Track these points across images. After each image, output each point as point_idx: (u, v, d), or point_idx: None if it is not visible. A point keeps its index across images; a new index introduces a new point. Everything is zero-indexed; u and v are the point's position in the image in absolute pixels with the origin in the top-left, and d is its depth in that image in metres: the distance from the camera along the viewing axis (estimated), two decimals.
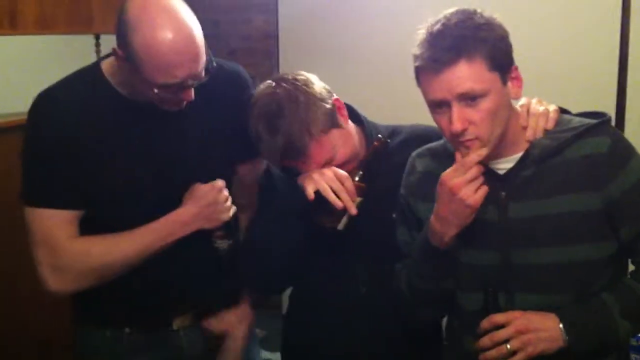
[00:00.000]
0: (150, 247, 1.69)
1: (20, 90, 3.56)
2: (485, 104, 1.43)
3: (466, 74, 1.41)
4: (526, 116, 1.56)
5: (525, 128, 1.54)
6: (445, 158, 1.58)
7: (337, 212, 1.66)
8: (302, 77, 1.75)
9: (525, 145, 1.53)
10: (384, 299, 1.77)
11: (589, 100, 2.58)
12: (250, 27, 3.33)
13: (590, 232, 1.49)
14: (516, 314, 1.49)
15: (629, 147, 1.52)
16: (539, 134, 1.53)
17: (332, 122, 1.71)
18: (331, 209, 1.65)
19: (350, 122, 1.81)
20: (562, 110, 1.61)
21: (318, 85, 1.75)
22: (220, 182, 1.75)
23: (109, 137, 1.66)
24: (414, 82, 1.51)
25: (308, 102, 1.68)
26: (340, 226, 1.67)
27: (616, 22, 2.60)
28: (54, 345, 2.87)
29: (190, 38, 1.52)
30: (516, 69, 1.49)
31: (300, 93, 1.69)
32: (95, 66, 1.73)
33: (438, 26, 1.45)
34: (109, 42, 3.31)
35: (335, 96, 1.76)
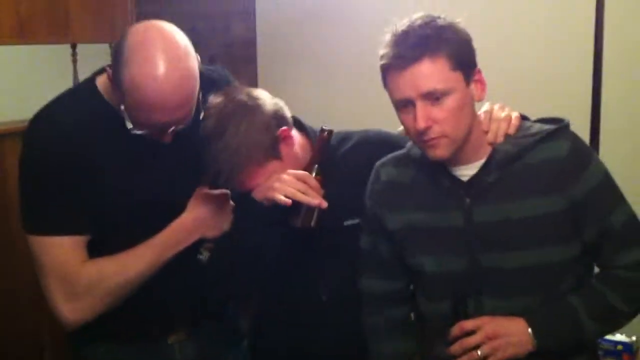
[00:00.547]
0: (160, 259, 1.64)
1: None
2: (449, 102, 1.46)
3: (429, 72, 1.44)
4: (488, 121, 1.58)
5: (487, 132, 1.57)
6: (409, 165, 1.62)
7: (307, 211, 1.65)
8: (254, 103, 1.68)
9: (488, 151, 1.56)
10: (346, 306, 1.78)
11: (564, 104, 2.63)
12: (230, 34, 3.32)
13: (555, 234, 1.52)
14: (485, 319, 1.52)
15: (588, 150, 1.57)
16: (500, 139, 1.56)
17: (271, 154, 1.68)
18: (299, 209, 1.64)
19: (297, 134, 1.78)
20: (522, 117, 1.63)
21: (268, 112, 1.69)
22: (227, 190, 1.71)
23: (108, 156, 1.60)
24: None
25: (248, 133, 1.63)
26: (313, 223, 1.66)
27: (590, 26, 2.62)
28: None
29: (179, 85, 1.46)
30: (479, 72, 1.52)
31: (243, 120, 1.64)
32: (90, 82, 1.68)
33: (403, 27, 1.48)
34: (85, 50, 3.35)
35: (283, 126, 1.71)
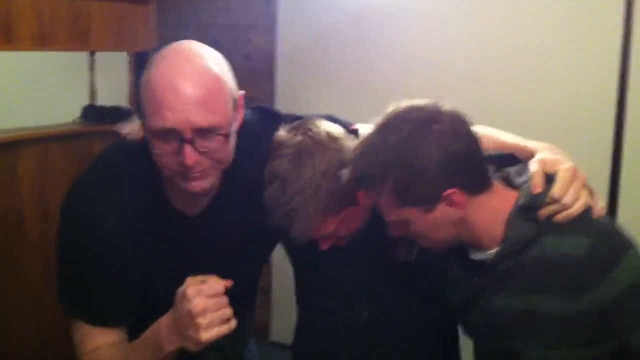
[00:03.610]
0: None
1: (13, 104, 3.61)
2: (410, 227, 1.38)
3: (379, 203, 1.39)
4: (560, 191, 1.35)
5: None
6: None
7: (408, 244, 1.55)
8: (336, 144, 1.52)
9: (501, 236, 1.39)
10: (386, 323, 1.70)
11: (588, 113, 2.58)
12: (250, 47, 3.31)
13: (567, 336, 1.36)
14: None
15: (613, 253, 1.32)
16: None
17: (349, 202, 1.53)
18: (401, 242, 1.55)
19: None
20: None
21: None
22: (212, 285, 1.32)
23: (144, 244, 1.46)
24: None
25: (326, 175, 1.49)
26: (413, 256, 1.59)
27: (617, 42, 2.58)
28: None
29: (195, 80, 1.30)
30: (453, 193, 1.33)
31: (323, 181, 1.48)
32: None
33: (357, 149, 1.40)
34: (103, 57, 3.35)
35: None
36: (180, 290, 1.31)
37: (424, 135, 1.31)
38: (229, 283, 1.33)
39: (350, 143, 1.52)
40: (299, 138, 1.51)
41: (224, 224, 1.53)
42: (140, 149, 1.40)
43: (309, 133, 1.52)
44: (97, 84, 3.38)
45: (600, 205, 1.38)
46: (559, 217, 1.33)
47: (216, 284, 1.31)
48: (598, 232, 1.33)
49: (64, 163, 2.94)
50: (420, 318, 1.72)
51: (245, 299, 1.72)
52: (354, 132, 1.62)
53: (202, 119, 1.29)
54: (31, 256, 2.85)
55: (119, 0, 3.12)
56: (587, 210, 1.35)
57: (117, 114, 3.27)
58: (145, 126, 1.34)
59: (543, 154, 1.44)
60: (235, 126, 1.40)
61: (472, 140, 1.36)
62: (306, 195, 1.46)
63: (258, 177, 1.52)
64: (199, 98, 1.29)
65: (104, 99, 3.39)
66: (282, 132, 1.55)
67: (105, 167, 1.52)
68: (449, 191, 1.32)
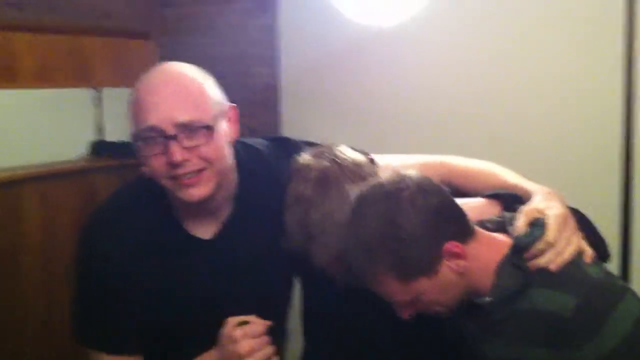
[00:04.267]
0: None
1: (17, 141, 3.61)
2: (422, 300, 1.36)
3: (382, 292, 1.37)
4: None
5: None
6: None
7: None
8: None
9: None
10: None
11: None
12: (250, 79, 3.30)
13: None
14: None
15: (603, 307, 1.30)
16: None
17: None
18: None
19: None
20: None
21: None
22: (256, 326, 1.43)
23: (162, 267, 1.50)
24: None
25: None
26: None
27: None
28: None
29: (175, 82, 1.39)
30: (450, 246, 1.32)
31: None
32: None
33: (342, 248, 1.39)
34: (109, 93, 3.35)
35: None
36: (226, 331, 1.42)
37: (396, 206, 1.32)
38: (269, 323, 1.44)
39: (372, 171, 1.51)
40: (326, 163, 1.50)
41: (239, 247, 1.55)
42: (154, 181, 1.44)
43: (336, 159, 1.51)
44: (105, 120, 3.38)
45: (590, 251, 1.38)
46: (552, 266, 1.33)
47: (259, 324, 1.43)
48: (586, 289, 1.31)
49: (68, 200, 2.93)
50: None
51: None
52: (372, 162, 1.60)
53: (182, 113, 1.36)
54: (32, 296, 2.82)
55: (119, 36, 3.13)
56: (579, 262, 1.35)
57: (125, 149, 3.27)
58: (132, 137, 1.41)
59: (537, 199, 1.44)
60: (226, 134, 1.45)
61: (443, 192, 1.38)
62: (330, 222, 1.44)
63: (272, 202, 1.53)
64: (179, 96, 1.37)
65: (111, 135, 3.40)
66: (306, 156, 1.54)
67: (119, 199, 1.57)
68: (446, 245, 1.32)
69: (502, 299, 1.36)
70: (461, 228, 1.37)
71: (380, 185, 1.37)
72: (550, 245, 1.34)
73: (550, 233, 1.35)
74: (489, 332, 1.41)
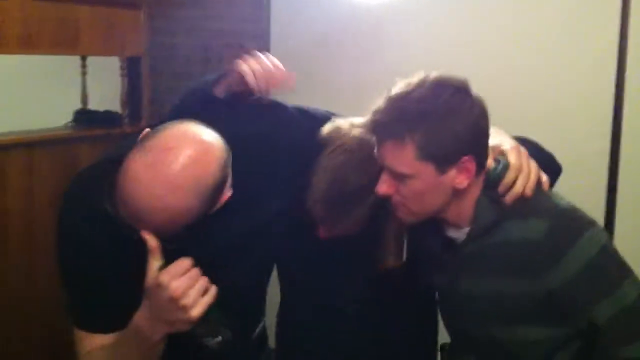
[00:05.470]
0: (146, 354, 1.41)
1: (2, 108, 3.59)
2: (412, 185, 1.39)
3: (392, 155, 1.39)
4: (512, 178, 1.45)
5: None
6: None
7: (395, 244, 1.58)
8: None
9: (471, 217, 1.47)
10: (371, 319, 1.72)
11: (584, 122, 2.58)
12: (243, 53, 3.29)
13: (533, 315, 1.44)
14: None
15: (572, 232, 1.39)
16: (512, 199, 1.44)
17: None
18: (382, 244, 1.57)
19: None
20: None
21: None
22: (179, 265, 1.30)
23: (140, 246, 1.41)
24: None
25: None
26: (402, 260, 1.58)
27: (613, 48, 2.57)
28: None
29: (153, 213, 1.27)
30: (469, 160, 1.38)
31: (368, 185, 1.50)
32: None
33: (387, 98, 1.40)
34: (95, 61, 3.32)
35: None
36: (149, 280, 1.30)
37: (460, 101, 1.37)
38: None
39: None
40: (353, 135, 1.55)
41: (223, 224, 1.48)
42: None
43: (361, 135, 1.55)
44: (89, 89, 3.36)
45: (545, 176, 1.49)
46: (527, 191, 1.43)
47: (182, 262, 1.30)
48: (557, 214, 1.41)
49: (51, 168, 2.91)
50: (403, 318, 1.75)
51: (248, 300, 1.71)
52: None
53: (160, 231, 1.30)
54: (14, 262, 2.81)
55: (108, 6, 3.09)
56: (548, 193, 1.47)
57: (108, 119, 3.28)
58: None
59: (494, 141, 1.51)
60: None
61: (489, 121, 1.43)
62: (351, 194, 1.50)
63: (259, 174, 1.52)
64: (153, 224, 1.28)
65: (96, 104, 3.37)
66: (332, 128, 1.60)
67: (94, 174, 1.50)
68: (467, 157, 1.38)
69: (479, 231, 1.44)
70: (484, 157, 1.43)
71: (451, 78, 1.41)
72: (518, 170, 1.44)
73: (514, 161, 1.45)
74: (465, 267, 1.48)
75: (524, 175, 1.45)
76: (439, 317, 1.72)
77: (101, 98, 3.41)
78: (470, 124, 1.37)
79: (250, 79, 1.53)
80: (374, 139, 1.43)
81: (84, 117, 3.29)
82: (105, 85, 3.45)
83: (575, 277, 1.37)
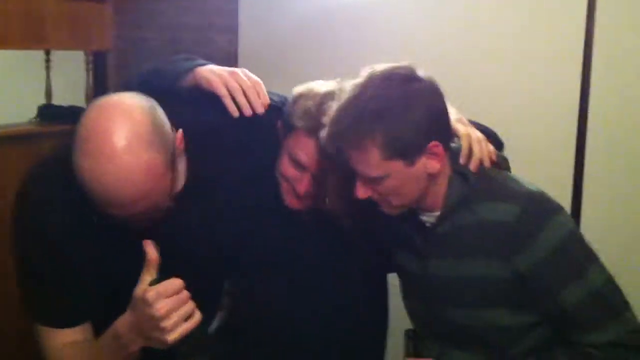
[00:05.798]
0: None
1: None
2: (387, 183, 1.40)
3: (358, 160, 1.38)
4: (467, 150, 1.49)
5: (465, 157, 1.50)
6: None
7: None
8: None
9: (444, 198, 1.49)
10: (330, 285, 1.72)
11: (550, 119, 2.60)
12: (212, 47, 3.26)
13: (501, 298, 1.45)
14: None
15: (541, 217, 1.41)
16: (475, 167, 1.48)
17: None
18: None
19: None
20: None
21: None
22: (170, 284, 1.28)
23: (104, 233, 1.41)
24: None
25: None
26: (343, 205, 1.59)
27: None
28: None
29: (122, 184, 1.25)
30: (435, 145, 1.38)
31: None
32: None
33: (339, 106, 1.39)
34: (59, 56, 3.27)
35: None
36: (137, 293, 1.28)
37: (408, 90, 1.37)
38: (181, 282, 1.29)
39: None
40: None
41: (194, 208, 1.48)
42: None
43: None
44: (54, 84, 3.31)
45: (491, 146, 1.54)
46: (492, 156, 1.50)
47: (174, 282, 1.28)
48: (527, 199, 1.42)
49: (16, 164, 2.85)
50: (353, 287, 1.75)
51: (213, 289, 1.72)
52: None
53: (139, 208, 1.28)
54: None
55: None
56: (515, 177, 1.50)
57: (73, 114, 3.21)
58: None
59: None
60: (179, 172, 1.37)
61: (444, 99, 1.43)
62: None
63: (230, 161, 1.54)
64: (136, 200, 1.26)
65: (61, 99, 3.32)
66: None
67: (53, 164, 1.48)
68: (433, 143, 1.38)
69: (450, 209, 1.46)
70: (448, 136, 1.44)
71: (396, 68, 1.41)
72: (469, 137, 1.49)
73: (463, 130, 1.51)
74: (435, 250, 1.50)
75: (475, 141, 1.49)
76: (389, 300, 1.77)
77: (66, 93, 3.36)
78: (426, 109, 1.37)
79: (227, 101, 1.53)
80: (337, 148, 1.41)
81: (49, 112, 3.23)
82: (69, 80, 3.41)
83: (543, 261, 1.39)
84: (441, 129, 1.41)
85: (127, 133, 1.26)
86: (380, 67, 1.41)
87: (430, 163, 1.40)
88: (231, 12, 3.19)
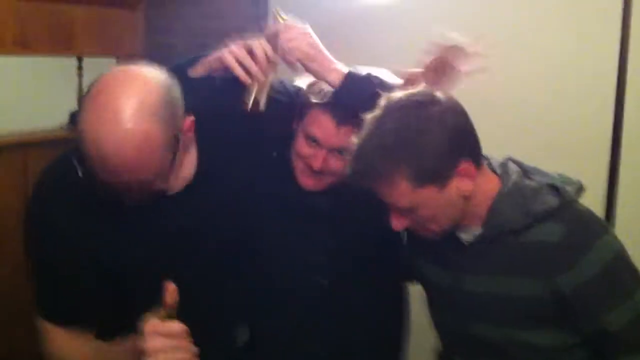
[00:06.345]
0: None
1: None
2: (421, 212, 1.38)
3: (389, 195, 1.37)
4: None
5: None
6: None
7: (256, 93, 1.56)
8: None
9: (483, 219, 1.44)
10: (349, 293, 1.70)
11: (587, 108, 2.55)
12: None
13: (537, 318, 1.41)
14: None
15: (587, 237, 1.37)
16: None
17: None
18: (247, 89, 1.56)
19: None
20: (524, 172, 1.49)
21: None
22: (169, 326, 1.29)
23: (117, 230, 1.43)
24: None
25: None
26: (262, 106, 1.55)
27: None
28: None
29: (119, 148, 1.26)
30: (464, 165, 1.36)
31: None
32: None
33: (360, 142, 1.37)
34: (91, 63, 3.29)
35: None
36: (144, 323, 1.29)
37: (426, 115, 1.34)
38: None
39: None
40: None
41: (210, 197, 1.49)
42: None
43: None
44: (85, 90, 3.33)
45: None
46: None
47: (175, 325, 1.28)
48: (574, 218, 1.39)
49: None
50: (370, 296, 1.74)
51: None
52: None
53: (133, 181, 1.29)
54: (11, 263, 2.78)
55: (104, 6, 3.07)
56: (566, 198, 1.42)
57: None
58: None
59: None
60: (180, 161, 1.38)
61: (468, 116, 1.40)
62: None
63: (242, 147, 1.56)
64: (126, 166, 1.27)
65: None
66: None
67: (63, 164, 1.47)
68: (462, 163, 1.35)
69: (498, 234, 1.41)
70: (477, 154, 1.41)
71: (412, 95, 1.39)
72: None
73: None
74: (472, 266, 1.46)
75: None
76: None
77: None
78: (446, 131, 1.34)
79: (231, 63, 1.55)
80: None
81: None
82: None
83: (589, 282, 1.34)
84: (469, 147, 1.39)
85: (135, 98, 1.29)
86: (397, 95, 1.40)
87: (462, 183, 1.37)
88: (260, 17, 3.18)
